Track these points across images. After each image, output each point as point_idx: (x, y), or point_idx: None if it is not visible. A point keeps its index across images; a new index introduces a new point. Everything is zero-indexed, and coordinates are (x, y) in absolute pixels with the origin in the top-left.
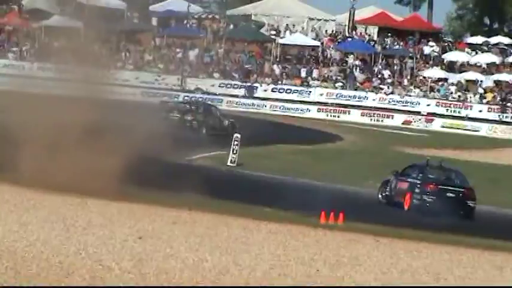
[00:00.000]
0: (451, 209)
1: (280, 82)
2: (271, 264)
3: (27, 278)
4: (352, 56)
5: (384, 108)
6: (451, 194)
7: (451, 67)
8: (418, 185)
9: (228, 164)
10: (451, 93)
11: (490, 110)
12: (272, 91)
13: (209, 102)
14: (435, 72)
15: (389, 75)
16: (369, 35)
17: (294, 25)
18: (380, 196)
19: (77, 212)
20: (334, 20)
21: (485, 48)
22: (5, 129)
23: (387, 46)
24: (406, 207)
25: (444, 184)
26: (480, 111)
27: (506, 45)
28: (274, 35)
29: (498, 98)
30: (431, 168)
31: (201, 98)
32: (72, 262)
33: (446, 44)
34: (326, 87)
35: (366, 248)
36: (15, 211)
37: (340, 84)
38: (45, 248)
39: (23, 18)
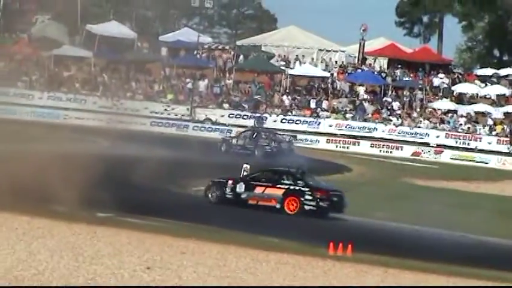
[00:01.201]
0: (334, 211)
1: (289, 113)
2: None
3: None
4: (361, 87)
5: (393, 140)
6: (335, 198)
7: (460, 99)
8: (308, 192)
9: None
10: (461, 125)
11: (499, 142)
12: (281, 122)
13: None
14: (445, 104)
15: (398, 106)
16: (380, 67)
17: (303, 56)
18: (210, 196)
19: (85, 241)
20: (344, 51)
21: (495, 80)
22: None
23: (397, 78)
24: (290, 212)
25: (329, 190)
26: (489, 143)
27: None
28: (284, 65)
29: (508, 130)
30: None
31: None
32: None
33: (456, 75)
34: (336, 118)
35: (375, 279)
36: (24, 239)
37: (350, 115)
38: (53, 277)
39: (33, 47)
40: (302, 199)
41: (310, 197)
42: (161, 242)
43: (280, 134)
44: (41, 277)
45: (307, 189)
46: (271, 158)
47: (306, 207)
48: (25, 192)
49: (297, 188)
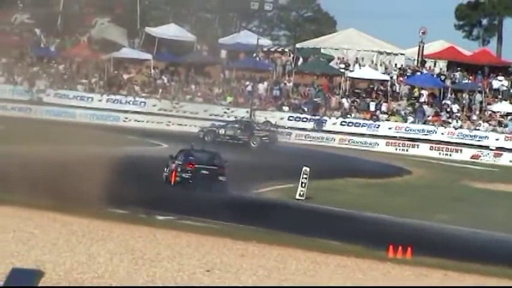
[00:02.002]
0: (205, 183)
1: (349, 116)
2: None
3: None
4: (421, 90)
5: (453, 143)
6: (205, 172)
7: None
8: (180, 165)
9: (297, 197)
10: None
11: None
12: (341, 124)
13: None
14: (504, 107)
15: (458, 109)
16: (440, 69)
17: (363, 59)
18: (164, 176)
19: (145, 244)
20: (403, 54)
21: None
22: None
23: (456, 80)
24: (172, 183)
25: (200, 163)
26: None
27: None
28: (343, 68)
29: None
30: (195, 152)
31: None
32: None
33: None
34: (395, 121)
35: (434, 282)
36: (84, 242)
37: (409, 118)
38: (113, 280)
39: (92, 50)
40: (178, 172)
41: (180, 170)
42: (221, 244)
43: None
44: (100, 280)
45: (180, 163)
46: (267, 148)
47: (177, 179)
48: (84, 195)
49: (179, 163)
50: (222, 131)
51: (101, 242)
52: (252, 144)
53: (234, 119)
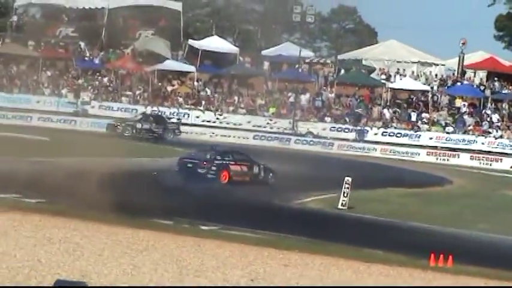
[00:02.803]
0: (189, 175)
1: (390, 126)
2: None
3: None
4: (461, 100)
5: (493, 152)
6: (189, 165)
7: None
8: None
9: (339, 207)
10: None
11: None
12: (382, 135)
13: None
14: None
15: (498, 119)
16: (481, 79)
17: (404, 70)
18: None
19: (189, 254)
20: (443, 65)
21: None
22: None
23: (496, 90)
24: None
25: (187, 158)
26: None
27: None
28: (385, 79)
29: None
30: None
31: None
32: None
33: None
34: (436, 131)
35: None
36: (129, 253)
37: (450, 128)
38: None
39: (136, 62)
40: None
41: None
42: (264, 254)
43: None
44: None
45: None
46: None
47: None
48: (128, 205)
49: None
50: (139, 125)
51: (145, 252)
52: (168, 138)
53: (146, 112)
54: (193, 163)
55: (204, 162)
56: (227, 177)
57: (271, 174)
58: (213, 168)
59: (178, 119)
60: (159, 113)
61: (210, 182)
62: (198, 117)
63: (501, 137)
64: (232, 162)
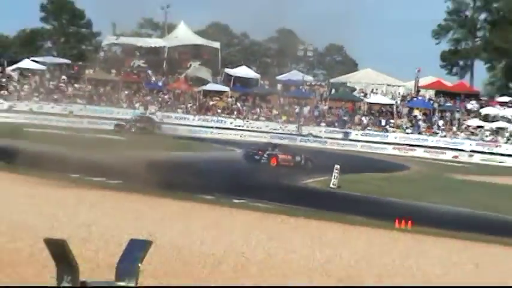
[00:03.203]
0: (250, 159)
1: (367, 129)
2: (363, 256)
3: None
4: (417, 110)
5: (439, 147)
6: (250, 153)
7: (486, 118)
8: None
9: (331, 186)
10: (486, 136)
11: None
12: (361, 135)
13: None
14: (475, 122)
15: (443, 124)
16: (430, 95)
17: (376, 89)
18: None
19: (225, 219)
20: (404, 86)
21: (510, 104)
22: None
23: (441, 104)
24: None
25: (250, 149)
26: (507, 149)
27: None
28: (363, 96)
29: None
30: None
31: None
32: None
33: (483, 102)
34: (399, 132)
35: (430, 245)
36: (182, 219)
37: (409, 130)
38: (200, 242)
39: (188, 85)
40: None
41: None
42: (279, 219)
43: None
44: (192, 246)
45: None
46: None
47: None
48: (182, 185)
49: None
50: (139, 125)
51: (193, 218)
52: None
53: (139, 114)
54: (253, 152)
55: (260, 152)
56: (275, 162)
57: (310, 162)
58: (265, 156)
59: (160, 119)
60: (149, 115)
61: (262, 165)
62: (231, 123)
63: (445, 136)
64: (281, 153)
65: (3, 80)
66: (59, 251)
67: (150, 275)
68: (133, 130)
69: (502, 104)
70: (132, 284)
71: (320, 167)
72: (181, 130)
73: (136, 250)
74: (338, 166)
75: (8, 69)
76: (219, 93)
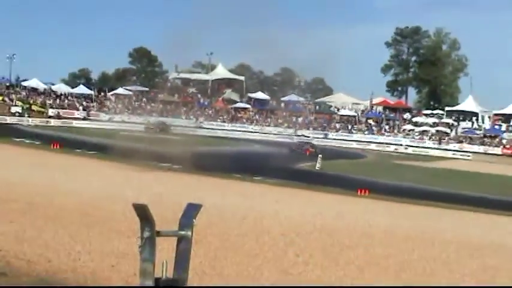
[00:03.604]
0: (292, 151)
1: (339, 131)
2: (338, 212)
3: None
4: (371, 119)
5: (386, 143)
6: (292, 147)
7: (416, 124)
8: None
9: (316, 168)
10: (416, 136)
11: (434, 143)
12: (336, 136)
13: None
14: (409, 127)
15: (388, 128)
16: (380, 109)
17: (345, 106)
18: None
19: (247, 189)
20: (363, 103)
21: (431, 116)
22: None
23: (387, 115)
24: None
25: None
26: (429, 144)
27: (442, 114)
28: (337, 110)
29: (437, 137)
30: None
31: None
32: None
33: (413, 113)
34: (360, 133)
35: (380, 206)
36: (217, 189)
37: (366, 132)
38: (228, 203)
39: (224, 104)
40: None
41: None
42: (282, 190)
43: None
44: (219, 207)
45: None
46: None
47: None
48: (221, 168)
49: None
50: (160, 126)
51: (225, 189)
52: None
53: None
54: (295, 147)
55: (297, 146)
56: (308, 152)
57: (318, 152)
58: (301, 148)
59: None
60: (163, 120)
61: (301, 154)
62: (252, 128)
63: (389, 136)
64: (309, 146)
65: (106, 101)
66: (142, 211)
67: (200, 225)
68: (157, 130)
69: (426, 115)
70: (189, 233)
71: (309, 156)
72: (187, 130)
73: (191, 210)
74: (320, 155)
75: (108, 94)
76: (244, 109)
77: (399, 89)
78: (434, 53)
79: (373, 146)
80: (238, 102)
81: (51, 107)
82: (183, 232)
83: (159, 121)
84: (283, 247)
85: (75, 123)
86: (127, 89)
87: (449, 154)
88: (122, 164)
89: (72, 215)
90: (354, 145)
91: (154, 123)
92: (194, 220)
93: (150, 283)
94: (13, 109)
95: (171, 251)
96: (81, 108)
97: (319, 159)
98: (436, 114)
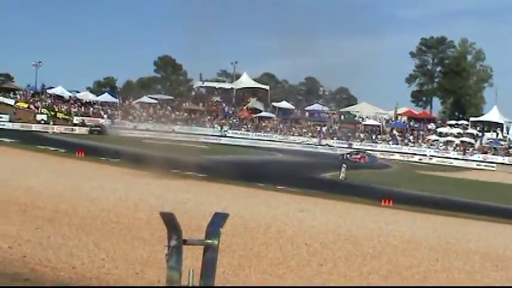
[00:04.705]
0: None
1: (363, 141)
2: (361, 222)
3: None
4: (395, 129)
5: (410, 153)
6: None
7: (440, 134)
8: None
9: (340, 178)
10: (440, 146)
11: (458, 153)
12: (360, 145)
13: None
14: (433, 137)
15: (412, 138)
16: (403, 120)
17: (369, 116)
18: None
19: (271, 199)
20: (387, 113)
21: (456, 126)
22: None
23: (411, 125)
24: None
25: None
26: (453, 154)
27: (466, 125)
28: (361, 120)
29: (462, 148)
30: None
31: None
32: None
33: (438, 124)
34: (384, 143)
35: (405, 216)
36: (242, 198)
37: (391, 142)
38: (251, 211)
39: (248, 113)
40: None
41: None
42: (306, 199)
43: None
44: (241, 216)
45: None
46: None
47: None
48: (249, 177)
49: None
50: (97, 129)
51: (250, 198)
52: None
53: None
54: (347, 155)
55: (352, 155)
56: (363, 159)
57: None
58: (356, 156)
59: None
60: (101, 123)
61: (355, 162)
62: (276, 137)
63: (414, 146)
64: (362, 153)
65: (131, 109)
66: (169, 220)
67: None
68: (95, 132)
69: (451, 125)
70: (216, 242)
71: (333, 166)
72: (124, 132)
73: (218, 219)
74: (345, 165)
75: (133, 102)
76: (268, 118)
77: (424, 99)
78: (459, 63)
79: (397, 156)
80: (262, 111)
81: (76, 115)
82: (209, 241)
83: (97, 123)
84: (306, 256)
85: None
86: (152, 98)
87: (473, 165)
88: (145, 172)
89: (96, 222)
90: (378, 155)
91: (92, 125)
92: (221, 229)
93: None
94: (38, 117)
95: (195, 259)
96: (105, 116)
97: (343, 168)
98: (460, 124)
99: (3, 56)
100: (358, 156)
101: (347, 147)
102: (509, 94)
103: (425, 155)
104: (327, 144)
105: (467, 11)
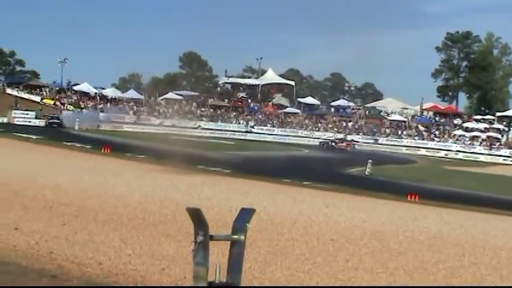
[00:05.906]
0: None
1: (389, 137)
2: (387, 218)
3: None
4: (421, 124)
5: (435, 148)
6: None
7: (466, 129)
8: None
9: (366, 173)
10: (466, 141)
11: (485, 148)
12: (385, 141)
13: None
14: (459, 132)
15: (438, 133)
16: (429, 115)
17: (395, 111)
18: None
19: (296, 194)
20: (413, 108)
21: (482, 121)
22: None
23: (437, 120)
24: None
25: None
26: (479, 149)
27: (492, 120)
28: (386, 115)
29: (488, 143)
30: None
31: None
32: None
33: (464, 119)
34: (410, 138)
35: (430, 211)
36: (269, 194)
37: (416, 137)
38: (279, 205)
39: (274, 108)
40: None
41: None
42: (332, 195)
43: None
44: (266, 211)
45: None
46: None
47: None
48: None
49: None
50: (55, 121)
51: (277, 194)
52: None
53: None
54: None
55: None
56: (350, 147)
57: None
58: (342, 144)
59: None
60: (59, 115)
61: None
62: (301, 133)
63: (439, 141)
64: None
65: (156, 106)
66: (196, 215)
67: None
68: (53, 125)
69: (477, 120)
70: (243, 237)
71: (358, 161)
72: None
73: (245, 214)
74: (371, 160)
75: (159, 99)
76: (294, 114)
77: (450, 94)
78: (485, 58)
79: (423, 151)
80: (288, 107)
81: (102, 111)
82: (236, 236)
83: (53, 115)
84: (332, 252)
85: (126, 127)
86: (177, 94)
87: (500, 160)
88: (170, 168)
89: (122, 218)
90: (404, 150)
91: (48, 116)
92: (248, 224)
93: (204, 286)
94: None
95: (220, 255)
96: (131, 112)
97: (369, 164)
98: (486, 119)
99: (29, 53)
100: (344, 144)
101: (373, 143)
102: None
103: (451, 150)
104: (352, 140)
105: (493, 6)
